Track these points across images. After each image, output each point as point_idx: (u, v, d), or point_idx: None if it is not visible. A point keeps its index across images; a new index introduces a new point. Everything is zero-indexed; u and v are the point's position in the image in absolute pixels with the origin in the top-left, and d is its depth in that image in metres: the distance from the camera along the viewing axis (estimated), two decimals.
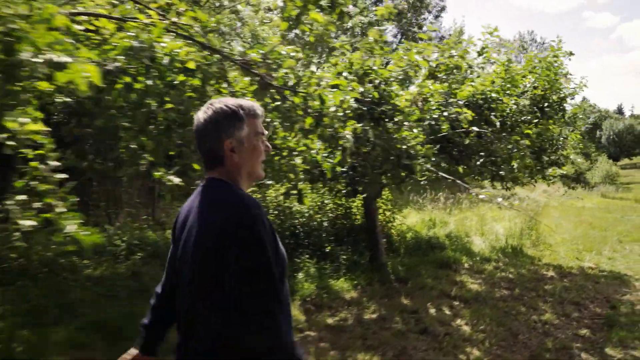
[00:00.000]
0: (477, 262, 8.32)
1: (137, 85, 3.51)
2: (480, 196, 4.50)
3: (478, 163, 5.69)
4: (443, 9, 22.23)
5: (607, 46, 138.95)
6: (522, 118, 7.03)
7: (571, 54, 8.00)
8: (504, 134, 5.82)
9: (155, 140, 3.95)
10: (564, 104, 7.84)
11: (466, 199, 12.99)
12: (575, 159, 8.99)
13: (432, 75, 6.18)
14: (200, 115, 1.64)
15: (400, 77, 5.35)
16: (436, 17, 22.04)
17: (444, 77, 6.11)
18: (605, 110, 68.86)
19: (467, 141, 5.31)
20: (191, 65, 3.61)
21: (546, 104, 7.45)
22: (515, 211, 11.71)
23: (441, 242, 9.17)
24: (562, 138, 8.71)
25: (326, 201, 8.60)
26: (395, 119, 5.15)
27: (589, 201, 21.15)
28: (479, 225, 10.74)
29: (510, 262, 8.55)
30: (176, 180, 3.64)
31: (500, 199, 4.41)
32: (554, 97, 7.59)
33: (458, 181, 4.87)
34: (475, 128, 5.31)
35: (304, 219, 8.16)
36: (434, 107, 6.02)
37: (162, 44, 3.43)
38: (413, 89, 6.43)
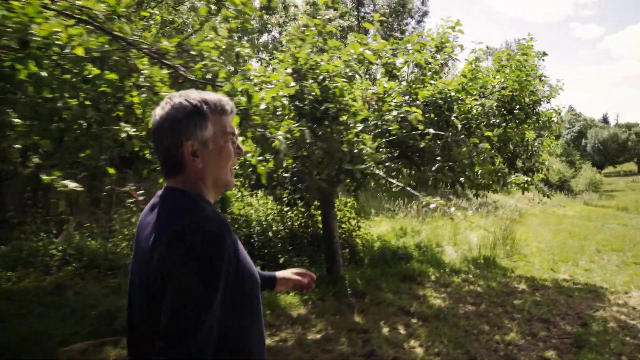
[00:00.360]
0: (445, 274, 7.81)
1: (22, 75, 2.96)
2: (431, 205, 3.97)
3: (433, 168, 5.17)
4: (425, 13, 21.87)
5: (593, 57, 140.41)
6: (491, 121, 6.55)
7: (544, 54, 7.57)
8: (462, 136, 5.32)
9: (56, 139, 3.44)
10: (537, 107, 7.38)
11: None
12: (551, 166, 8.44)
13: (390, 74, 5.68)
14: (157, 112, 1.37)
15: (348, 74, 4.83)
16: (418, 22, 21.67)
17: (402, 75, 5.61)
18: (591, 119, 69.28)
19: (422, 144, 4.80)
20: (79, 51, 3.07)
21: (517, 107, 6.99)
22: (494, 219, 11.25)
23: (409, 252, 8.66)
24: (536, 143, 8.24)
25: (286, 209, 8.06)
26: (341, 119, 4.63)
27: (571, 209, 20.84)
28: (453, 234, 10.26)
29: (481, 274, 8.06)
30: (72, 185, 3.11)
31: (453, 209, 3.89)
32: (527, 100, 7.13)
33: (408, 188, 4.35)
34: (431, 130, 4.80)
35: (260, 228, 7.61)
36: (392, 108, 5.53)
37: (38, 25, 2.89)
38: (376, 89, 5.95)
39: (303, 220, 8.04)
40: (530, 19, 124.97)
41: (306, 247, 7.75)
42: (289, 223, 8.04)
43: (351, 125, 4.54)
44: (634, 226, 15.05)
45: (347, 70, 4.82)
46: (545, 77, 7.87)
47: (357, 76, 5.05)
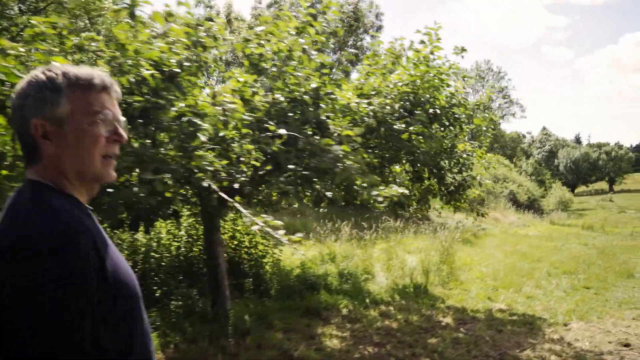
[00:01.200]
0: (361, 306, 6.70)
1: None
2: (254, 227, 2.88)
3: (281, 178, 4.07)
4: (380, 28, 21.28)
5: (565, 79, 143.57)
6: (388, 123, 5.52)
7: (463, 50, 6.66)
8: (316, 138, 4.24)
9: None
10: (456, 112, 6.43)
11: (384, 228, 11.44)
12: (484, 181, 7.47)
13: (255, 67, 4.63)
14: (17, 86, 1.12)
15: (185, 63, 3.76)
16: (372, 37, 20.99)
17: (266, 67, 4.55)
18: (563, 139, 69.77)
19: (273, 148, 3.74)
20: None
21: (419, 107, 6.00)
22: (436, 241, 10.22)
23: (328, 281, 7.54)
24: (465, 155, 7.28)
25: (176, 231, 6.91)
26: (162, 117, 3.54)
27: (535, 228, 20.01)
28: (388, 259, 9.17)
29: (406, 305, 6.97)
30: None
31: (280, 233, 2.81)
32: (442, 102, 6.17)
33: (236, 205, 3.26)
34: (283, 131, 3.73)
35: (140, 255, 6.42)
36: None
37: None
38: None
39: (187, 246, 6.88)
40: (502, 43, 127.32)
41: (196, 276, 6.58)
42: (182, 249, 6.87)
43: (175, 125, 3.45)
44: (595, 245, 14.22)
45: (186, 55, 3.76)
46: (469, 77, 6.94)
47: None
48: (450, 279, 8.28)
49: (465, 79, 7.57)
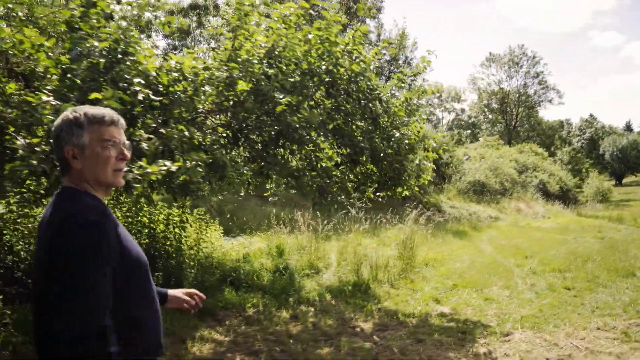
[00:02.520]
0: (273, 306, 5.81)
1: None
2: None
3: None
4: (379, 10, 19.87)
5: (614, 65, 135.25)
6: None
7: (378, 10, 5.59)
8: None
9: None
10: (362, 85, 5.44)
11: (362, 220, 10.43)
12: (425, 164, 6.37)
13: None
14: (55, 122, 1.64)
15: None
16: (373, 17, 19.83)
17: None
18: (610, 126, 65.65)
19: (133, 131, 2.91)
20: None
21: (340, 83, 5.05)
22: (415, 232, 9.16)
23: (260, 277, 6.69)
24: (404, 134, 6.25)
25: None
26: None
27: (555, 220, 18.39)
28: (341, 252, 8.20)
29: (334, 305, 6.03)
30: None
31: None
32: (341, 74, 5.20)
33: None
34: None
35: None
36: None
37: None
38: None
39: None
40: (545, 29, 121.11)
41: None
42: None
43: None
44: (611, 239, 12.67)
45: None
46: (388, 42, 5.89)
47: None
48: (402, 277, 7.24)
49: (385, 48, 6.49)
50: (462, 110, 54.92)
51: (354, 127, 6.21)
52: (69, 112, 1.60)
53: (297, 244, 8.49)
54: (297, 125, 4.64)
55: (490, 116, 53.38)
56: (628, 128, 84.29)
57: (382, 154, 6.38)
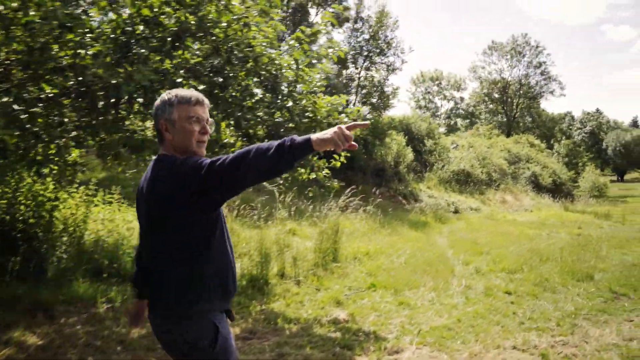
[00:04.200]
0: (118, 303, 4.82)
1: None
2: None
3: None
4: None
5: (627, 60, 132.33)
6: None
7: None
8: None
9: None
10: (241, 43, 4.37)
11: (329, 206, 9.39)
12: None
13: None
14: (155, 102, 1.97)
15: None
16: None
17: None
18: (614, 121, 64.00)
19: None
20: None
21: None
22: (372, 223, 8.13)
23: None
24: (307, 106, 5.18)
25: None
26: None
27: (537, 214, 17.31)
28: (266, 242, 7.16)
29: None
30: None
31: None
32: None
33: None
34: None
35: None
36: None
37: None
38: None
39: None
40: (558, 21, 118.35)
41: None
42: None
43: None
44: (588, 236, 11.57)
45: None
46: None
47: None
48: (312, 273, 6.22)
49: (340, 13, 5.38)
50: (462, 99, 53.45)
51: (245, 96, 5.15)
52: (165, 94, 1.95)
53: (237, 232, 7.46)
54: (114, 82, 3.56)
55: (490, 106, 51.90)
56: (634, 124, 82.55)
57: (282, 129, 5.35)
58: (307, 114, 5.27)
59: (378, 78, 18.75)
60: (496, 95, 51.09)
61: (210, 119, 1.97)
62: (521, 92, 49.45)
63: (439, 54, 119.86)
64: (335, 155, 5.89)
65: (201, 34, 4.22)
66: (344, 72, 19.20)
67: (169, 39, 4.00)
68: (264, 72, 5.10)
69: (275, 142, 1.66)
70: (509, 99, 50.24)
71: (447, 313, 5.26)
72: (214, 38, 4.41)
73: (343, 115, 5.82)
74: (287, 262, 6.32)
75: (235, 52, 4.46)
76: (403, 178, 17.93)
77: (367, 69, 18.98)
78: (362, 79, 18.88)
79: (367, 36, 18.72)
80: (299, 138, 1.68)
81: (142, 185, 1.94)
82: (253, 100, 5.22)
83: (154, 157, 1.97)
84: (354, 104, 18.92)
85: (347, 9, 18.99)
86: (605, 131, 57.06)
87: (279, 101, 5.27)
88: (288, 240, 7.46)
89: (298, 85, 5.25)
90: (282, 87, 5.40)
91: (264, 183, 5.95)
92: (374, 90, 18.57)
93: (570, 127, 57.13)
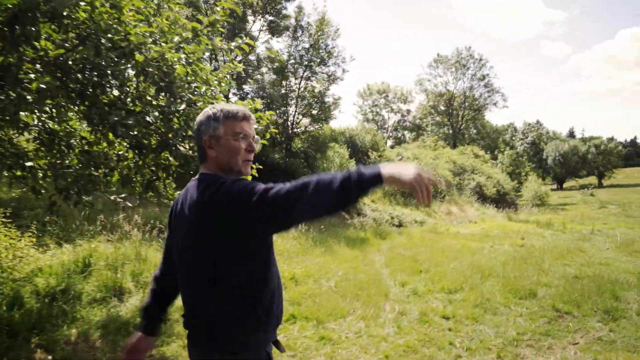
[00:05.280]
0: None
1: None
2: None
3: None
4: None
5: (563, 74, 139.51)
6: None
7: None
8: None
9: None
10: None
11: None
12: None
13: None
14: (197, 117, 1.84)
15: None
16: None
17: None
18: (554, 132, 66.60)
19: None
20: None
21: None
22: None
23: (21, 304, 4.68)
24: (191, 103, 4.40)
25: None
26: None
27: (481, 225, 17.11)
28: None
29: (88, 351, 4.09)
30: None
31: None
32: None
33: None
34: None
35: None
36: None
37: None
38: None
39: None
40: (501, 36, 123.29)
41: None
42: None
43: None
44: (531, 247, 11.27)
45: None
46: None
47: None
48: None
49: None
50: (408, 112, 54.02)
51: (129, 98, 4.31)
52: (209, 109, 1.81)
53: (117, 254, 6.49)
54: None
55: (437, 118, 52.74)
56: (571, 134, 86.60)
57: (179, 139, 4.54)
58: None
59: (319, 88, 18.12)
60: (442, 108, 51.97)
61: (256, 136, 1.86)
62: (466, 104, 50.53)
63: (386, 67, 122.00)
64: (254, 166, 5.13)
65: (56, 17, 3.35)
66: (284, 82, 18.49)
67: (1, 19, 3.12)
68: (151, 69, 4.28)
69: (339, 175, 1.51)
70: (455, 111, 51.22)
71: (374, 347, 4.55)
72: (75, 23, 3.55)
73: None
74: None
75: (104, 40, 3.62)
76: None
77: (308, 79, 18.34)
78: (302, 89, 18.19)
79: (307, 45, 18.13)
80: (367, 172, 1.51)
81: (181, 207, 1.79)
82: (139, 104, 4.39)
83: (194, 178, 1.83)
84: (293, 116, 18.22)
85: (286, 17, 18.39)
86: (545, 142, 59.17)
87: (172, 105, 4.46)
88: None
89: (193, 85, 4.45)
90: (180, 89, 4.60)
91: None
92: (315, 101, 17.94)
93: (513, 137, 58.93)
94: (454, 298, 6.42)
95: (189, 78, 4.39)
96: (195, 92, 4.44)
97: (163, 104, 4.54)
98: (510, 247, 11.56)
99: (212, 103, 4.46)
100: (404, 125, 54.06)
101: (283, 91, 17.80)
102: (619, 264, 9.51)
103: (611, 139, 60.25)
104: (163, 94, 4.57)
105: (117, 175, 4.89)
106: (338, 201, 1.49)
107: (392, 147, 31.66)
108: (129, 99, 4.43)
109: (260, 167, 5.13)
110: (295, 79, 18.74)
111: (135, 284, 5.88)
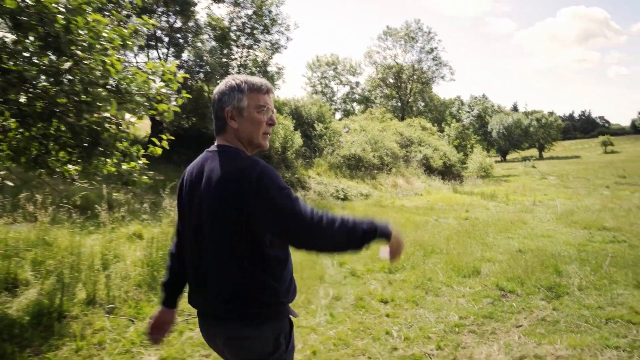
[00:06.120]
0: None
1: None
2: None
3: None
4: None
5: (508, 51, 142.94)
6: None
7: None
8: None
9: None
10: None
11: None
12: (133, 125, 3.61)
13: None
14: (217, 87, 1.83)
15: None
16: None
17: None
18: (498, 105, 68.16)
19: None
20: None
21: None
22: None
23: None
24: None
25: None
26: None
27: (427, 197, 16.98)
28: (90, 253, 5.46)
29: None
30: None
31: None
32: None
33: None
34: None
35: None
36: None
37: None
38: None
39: None
40: (448, 12, 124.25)
41: None
42: None
43: None
44: (468, 222, 11.09)
45: None
46: None
47: None
48: (130, 297, 4.67)
49: None
50: (357, 84, 53.58)
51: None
52: (231, 79, 1.78)
53: (18, 239, 5.62)
54: None
55: (385, 91, 52.61)
56: (514, 108, 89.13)
57: (69, 104, 3.76)
58: (107, 82, 3.70)
59: (262, 57, 17.20)
60: (391, 80, 51.86)
61: (275, 110, 1.89)
62: (414, 77, 50.61)
63: (336, 39, 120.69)
64: (154, 139, 4.40)
65: None
66: (225, 51, 17.42)
67: None
68: (24, 17, 3.45)
69: (362, 224, 1.67)
70: (403, 84, 51.24)
71: (302, 341, 4.03)
72: None
73: (162, 84, 4.31)
74: (102, 283, 4.73)
75: None
76: (291, 165, 16.72)
77: (250, 47, 17.36)
78: (244, 58, 17.21)
79: (249, 12, 17.09)
80: (380, 226, 1.72)
81: (198, 180, 1.75)
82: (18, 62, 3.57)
83: (211, 149, 1.82)
84: None
85: None
86: (490, 115, 60.50)
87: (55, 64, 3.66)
88: (121, 250, 5.84)
89: (79, 38, 3.64)
90: (74, 47, 3.77)
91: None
92: (258, 71, 17.02)
93: (460, 110, 59.85)
94: (394, 278, 6.00)
95: (72, 27, 3.58)
96: (81, 47, 3.64)
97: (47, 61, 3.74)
98: (455, 220, 11.37)
99: (104, 60, 3.68)
100: (352, 98, 53.68)
101: (224, 60, 16.77)
102: (560, 236, 9.48)
103: (551, 113, 62.33)
104: (51, 51, 3.77)
105: (6, 149, 4.05)
106: (352, 246, 1.68)
107: (340, 119, 31.13)
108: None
109: (172, 137, 4.41)
110: (238, 47, 17.71)
111: (36, 274, 5.06)
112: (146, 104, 4.18)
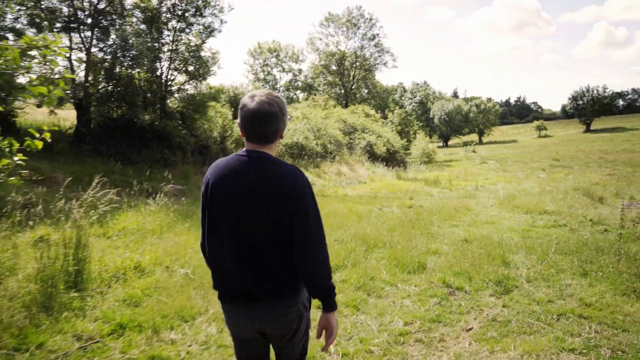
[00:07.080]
0: None
1: None
2: None
3: None
4: None
5: (447, 38, 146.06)
6: None
7: None
8: None
9: None
10: None
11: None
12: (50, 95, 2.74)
13: None
14: (264, 101, 1.93)
15: None
16: None
17: None
18: (439, 92, 69.33)
19: None
20: None
21: None
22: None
23: None
24: None
25: None
26: None
27: (370, 185, 16.64)
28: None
29: None
30: None
31: None
32: None
33: None
34: None
35: None
36: None
37: None
38: None
39: None
40: (389, 0, 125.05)
41: None
42: None
43: None
44: (412, 211, 10.77)
45: None
46: None
47: None
48: (17, 320, 3.85)
49: None
50: (300, 71, 52.78)
51: None
52: (278, 98, 1.99)
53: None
54: None
55: (329, 78, 52.14)
56: (455, 95, 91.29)
57: None
58: None
59: (195, 42, 16.14)
60: (334, 67, 51.41)
61: None
62: (357, 63, 50.37)
63: (278, 25, 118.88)
64: (32, 130, 3.58)
65: None
66: (155, 34, 16.21)
67: None
68: None
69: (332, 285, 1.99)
70: (346, 71, 50.92)
71: (226, 354, 3.38)
72: None
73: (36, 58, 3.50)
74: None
75: None
76: (230, 154, 15.90)
77: (182, 30, 16.24)
78: (175, 42, 16.09)
79: None
80: (333, 301, 2.01)
81: (236, 180, 1.94)
82: None
83: (255, 154, 1.97)
84: (167, 73, 16.12)
85: None
86: (432, 101, 61.49)
87: None
88: (20, 260, 4.95)
89: None
90: None
91: None
92: (191, 56, 15.97)
93: (402, 97, 60.42)
94: (334, 279, 5.46)
95: None
96: None
97: None
98: (399, 209, 11.02)
99: None
100: (296, 85, 52.87)
101: (154, 45, 15.59)
102: (504, 222, 9.32)
103: (489, 99, 64.17)
104: None
105: None
106: (322, 284, 1.96)
107: None
108: None
109: (48, 133, 3.61)
110: (169, 30, 16.55)
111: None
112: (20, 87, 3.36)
